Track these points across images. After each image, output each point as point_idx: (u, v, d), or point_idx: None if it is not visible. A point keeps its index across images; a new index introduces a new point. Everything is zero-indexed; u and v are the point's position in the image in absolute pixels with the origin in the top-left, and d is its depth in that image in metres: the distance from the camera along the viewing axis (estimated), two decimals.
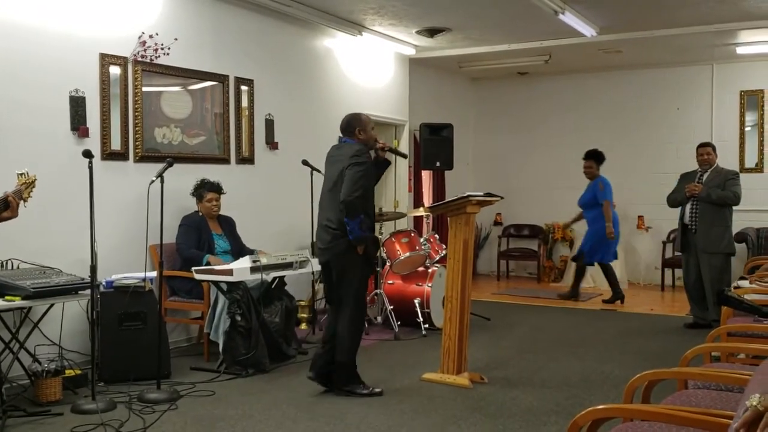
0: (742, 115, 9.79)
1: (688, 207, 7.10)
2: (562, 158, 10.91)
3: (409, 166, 9.75)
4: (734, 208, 7.04)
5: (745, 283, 5.52)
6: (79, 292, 4.58)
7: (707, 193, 6.92)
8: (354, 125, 4.89)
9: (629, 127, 10.47)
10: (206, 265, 5.60)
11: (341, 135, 4.97)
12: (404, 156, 5.66)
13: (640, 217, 10.28)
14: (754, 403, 1.81)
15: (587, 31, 8.04)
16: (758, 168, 9.67)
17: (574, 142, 10.80)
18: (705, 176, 7.09)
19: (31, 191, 4.09)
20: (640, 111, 10.41)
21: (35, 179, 4.10)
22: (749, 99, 9.75)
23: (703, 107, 10.01)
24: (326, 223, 4.79)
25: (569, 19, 7.49)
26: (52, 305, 4.64)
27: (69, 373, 4.82)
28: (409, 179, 9.86)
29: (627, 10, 7.50)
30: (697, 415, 2.40)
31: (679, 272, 9.58)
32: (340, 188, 4.66)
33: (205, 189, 6.02)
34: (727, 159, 8.81)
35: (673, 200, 7.30)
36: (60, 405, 4.49)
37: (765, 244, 9.02)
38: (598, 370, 5.53)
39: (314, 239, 5.42)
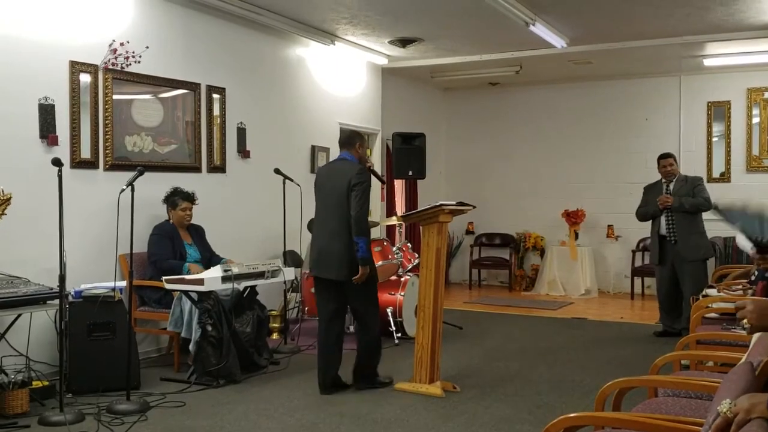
0: (709, 126, 9.92)
1: (663, 219, 7.09)
2: (533, 168, 11.01)
3: (381, 175, 9.73)
4: (703, 216, 7.10)
5: (713, 292, 5.59)
6: (47, 302, 4.51)
7: (680, 203, 6.96)
8: (356, 139, 5.18)
9: (599, 137, 10.57)
10: (187, 273, 5.58)
11: (340, 149, 5.25)
12: (382, 181, 5.79)
13: (610, 227, 10.37)
14: (724, 410, 1.83)
15: (557, 42, 8.12)
16: (725, 177, 9.81)
17: (545, 151, 10.92)
18: (672, 186, 7.14)
19: (5, 209, 4.04)
20: (609, 121, 10.52)
21: (10, 197, 4.05)
22: (716, 110, 9.90)
23: (671, 118, 10.14)
24: (336, 235, 4.97)
25: (540, 30, 7.56)
26: (19, 315, 4.55)
27: (36, 384, 4.74)
28: (382, 188, 9.86)
29: (597, 22, 7.58)
30: (668, 422, 2.43)
31: (648, 281, 9.71)
32: (348, 201, 4.90)
33: (179, 197, 5.98)
34: (694, 169, 8.96)
35: (644, 214, 7.28)
36: (27, 417, 4.41)
37: (732, 252, 9.15)
38: (569, 378, 5.56)
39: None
